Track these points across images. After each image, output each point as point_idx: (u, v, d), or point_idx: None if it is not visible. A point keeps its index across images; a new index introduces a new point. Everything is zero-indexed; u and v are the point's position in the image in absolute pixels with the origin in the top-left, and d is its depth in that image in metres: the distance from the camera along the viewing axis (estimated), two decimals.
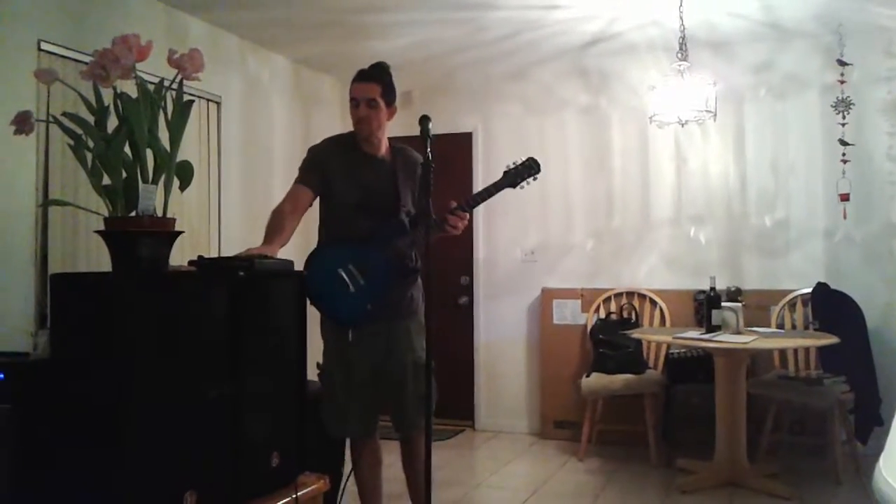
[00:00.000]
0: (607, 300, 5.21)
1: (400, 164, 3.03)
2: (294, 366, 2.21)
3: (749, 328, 4.29)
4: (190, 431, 1.80)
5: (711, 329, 4.18)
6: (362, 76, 2.96)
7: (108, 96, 1.92)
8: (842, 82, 4.74)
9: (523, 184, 2.99)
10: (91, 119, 1.90)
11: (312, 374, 2.97)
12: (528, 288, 5.52)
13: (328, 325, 2.98)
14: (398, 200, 2.96)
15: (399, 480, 3.13)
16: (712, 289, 4.30)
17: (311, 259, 2.93)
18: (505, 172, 2.98)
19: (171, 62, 1.94)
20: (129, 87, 1.89)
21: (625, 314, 5.13)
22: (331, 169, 2.97)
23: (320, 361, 2.98)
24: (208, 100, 4.53)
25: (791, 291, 4.79)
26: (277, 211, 2.92)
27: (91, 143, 1.89)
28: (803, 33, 4.83)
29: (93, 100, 1.91)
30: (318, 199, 3.02)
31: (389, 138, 3.09)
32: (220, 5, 4.30)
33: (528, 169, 2.98)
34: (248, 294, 1.99)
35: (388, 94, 2.97)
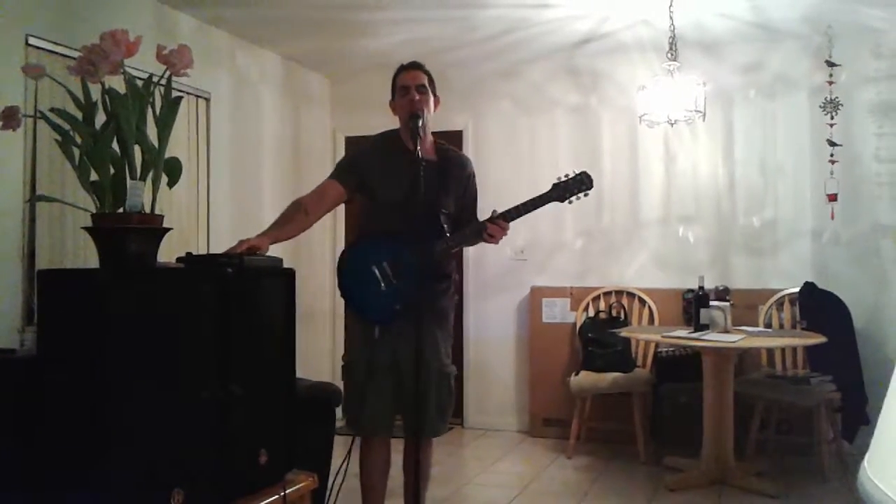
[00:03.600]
0: (596, 299, 5.22)
1: (445, 167, 2.98)
2: (283, 363, 2.21)
3: (737, 327, 4.31)
4: (177, 429, 1.79)
5: (699, 328, 4.20)
6: (409, 66, 2.97)
7: (95, 92, 1.90)
8: (830, 83, 4.76)
9: (572, 199, 2.88)
10: (79, 115, 1.89)
11: (311, 371, 2.97)
12: (518, 286, 5.52)
13: (355, 320, 2.96)
14: (439, 203, 2.90)
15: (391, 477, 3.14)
16: (701, 288, 4.32)
17: (347, 253, 2.95)
18: (554, 185, 2.88)
19: (159, 58, 1.93)
20: (118, 83, 1.88)
21: (614, 313, 5.14)
22: (372, 169, 2.93)
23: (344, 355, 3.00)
24: (197, 96, 4.51)
25: (779, 291, 4.82)
26: (295, 202, 2.89)
27: (79, 139, 1.88)
28: (792, 34, 4.86)
29: (81, 95, 1.90)
30: (347, 197, 3.01)
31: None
32: (209, 1, 4.28)
33: (580, 184, 2.87)
34: (237, 291, 1.99)
35: (433, 84, 2.97)
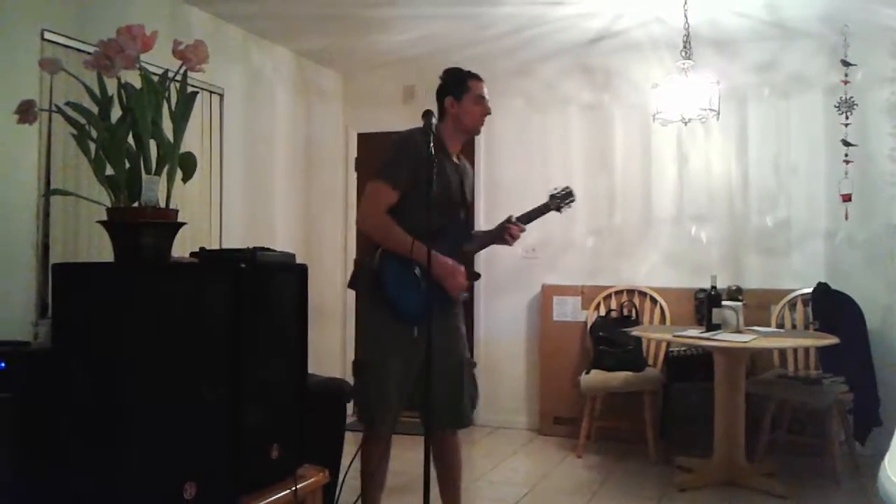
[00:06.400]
0: (608, 297, 5.21)
1: (465, 172, 3.17)
2: (295, 358, 2.22)
3: (749, 327, 4.29)
4: (190, 422, 1.80)
5: (711, 328, 4.18)
6: (481, 77, 3.16)
7: (111, 86, 1.91)
8: (845, 83, 4.73)
9: (565, 208, 3.24)
10: (95, 109, 1.90)
11: (322, 367, 2.98)
12: (529, 284, 5.51)
13: (383, 318, 2.94)
14: (465, 206, 3.12)
15: (399, 474, 3.15)
16: (713, 287, 4.30)
17: (385, 253, 2.93)
18: (550, 196, 3.22)
19: (175, 53, 1.94)
20: (133, 78, 1.89)
21: (625, 312, 5.12)
22: (421, 163, 2.93)
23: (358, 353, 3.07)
24: (211, 91, 4.52)
25: (791, 291, 4.79)
26: (386, 221, 2.93)
27: (95, 134, 1.89)
28: (808, 33, 4.82)
29: (97, 90, 1.91)
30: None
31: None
32: None
33: (567, 196, 3.23)
34: (250, 286, 1.99)
35: None
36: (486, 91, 3.12)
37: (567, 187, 3.26)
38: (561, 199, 3.22)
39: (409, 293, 2.89)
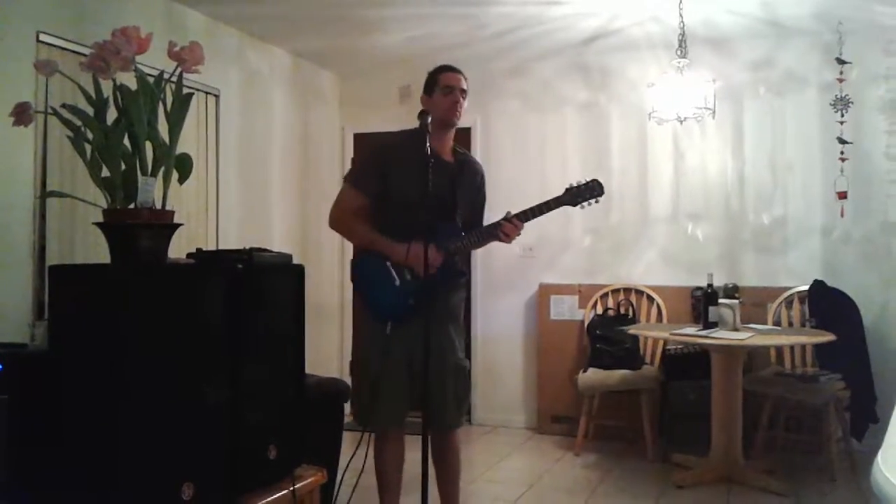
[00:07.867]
0: (605, 296, 5.22)
1: (462, 171, 3.08)
2: (292, 358, 2.22)
3: (746, 325, 4.30)
4: (187, 422, 1.80)
5: (708, 326, 4.19)
6: (453, 68, 3.08)
7: (107, 88, 1.91)
8: (841, 80, 4.74)
9: (584, 204, 3.01)
10: (90, 111, 1.90)
11: (319, 367, 2.98)
12: (526, 283, 5.52)
13: (368, 316, 3.01)
14: (454, 205, 3.00)
15: (408, 474, 3.15)
16: (709, 285, 4.31)
17: (361, 249, 3.02)
18: (566, 189, 3.00)
19: (171, 55, 1.94)
20: (129, 80, 1.89)
21: (622, 310, 5.13)
22: (395, 163, 2.97)
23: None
24: (206, 92, 4.52)
25: (788, 289, 4.80)
26: (348, 221, 3.02)
27: (90, 135, 1.89)
28: (802, 31, 4.83)
29: (92, 91, 1.91)
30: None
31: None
32: None
33: (591, 190, 2.99)
34: (247, 287, 1.99)
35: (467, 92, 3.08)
36: (458, 81, 3.02)
37: (594, 180, 3.01)
38: (580, 194, 2.99)
39: (381, 290, 2.92)
